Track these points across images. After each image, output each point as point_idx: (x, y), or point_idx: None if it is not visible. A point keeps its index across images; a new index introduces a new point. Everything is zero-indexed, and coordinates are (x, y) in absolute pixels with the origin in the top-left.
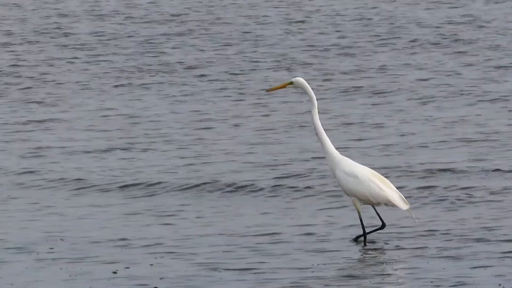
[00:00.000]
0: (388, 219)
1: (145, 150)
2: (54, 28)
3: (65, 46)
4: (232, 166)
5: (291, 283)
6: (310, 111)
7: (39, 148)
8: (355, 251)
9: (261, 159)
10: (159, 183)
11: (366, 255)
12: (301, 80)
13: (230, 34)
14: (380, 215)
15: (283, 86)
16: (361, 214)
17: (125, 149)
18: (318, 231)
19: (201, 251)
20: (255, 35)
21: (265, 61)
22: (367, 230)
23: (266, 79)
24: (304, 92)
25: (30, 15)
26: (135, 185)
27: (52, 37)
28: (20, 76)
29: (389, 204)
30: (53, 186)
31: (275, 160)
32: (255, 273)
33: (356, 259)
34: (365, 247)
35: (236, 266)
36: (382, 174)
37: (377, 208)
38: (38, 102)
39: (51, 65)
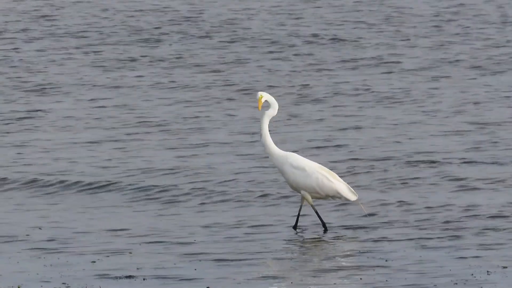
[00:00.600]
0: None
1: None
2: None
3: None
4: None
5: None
6: (265, 112)
7: None
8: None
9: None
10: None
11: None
12: (267, 95)
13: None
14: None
15: (260, 102)
16: (315, 206)
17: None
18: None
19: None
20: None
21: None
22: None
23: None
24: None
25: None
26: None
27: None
28: None
29: (337, 196)
30: None
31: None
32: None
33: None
34: (324, 234)
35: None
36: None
37: (326, 200)
38: None
39: None
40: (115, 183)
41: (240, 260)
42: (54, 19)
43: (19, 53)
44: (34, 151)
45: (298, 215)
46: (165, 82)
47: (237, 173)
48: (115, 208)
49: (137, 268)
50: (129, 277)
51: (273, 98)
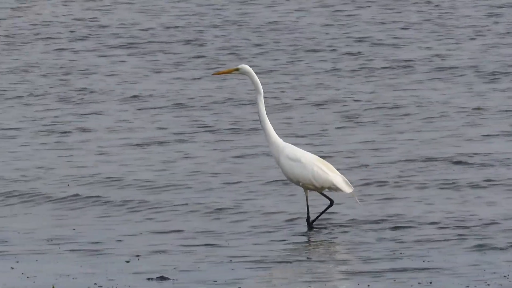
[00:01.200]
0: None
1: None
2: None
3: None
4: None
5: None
6: (256, 99)
7: None
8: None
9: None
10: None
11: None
12: (247, 67)
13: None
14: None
15: (229, 72)
16: (308, 199)
17: None
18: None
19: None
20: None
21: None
22: (310, 213)
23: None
24: (250, 80)
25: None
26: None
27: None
28: None
29: (333, 187)
30: None
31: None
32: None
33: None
34: (310, 231)
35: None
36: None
37: (324, 192)
38: None
39: None
40: (162, 187)
41: (276, 262)
42: (96, 21)
43: (66, 56)
44: (87, 155)
45: (308, 207)
46: (212, 88)
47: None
48: (157, 211)
49: (171, 269)
50: (161, 278)
51: (256, 77)
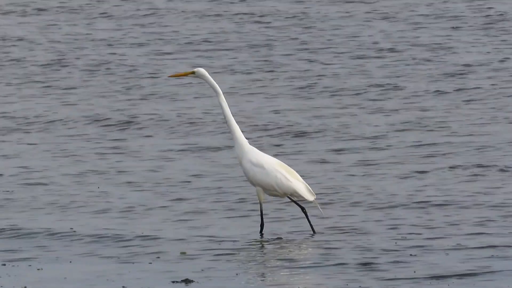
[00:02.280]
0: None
1: None
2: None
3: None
4: None
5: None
6: (218, 101)
7: None
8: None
9: None
10: None
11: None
12: (202, 71)
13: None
14: (297, 202)
15: (185, 75)
16: (262, 205)
17: None
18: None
19: None
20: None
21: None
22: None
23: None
24: (206, 83)
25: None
26: None
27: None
28: None
29: (295, 195)
30: None
31: None
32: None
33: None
34: (262, 238)
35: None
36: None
37: (285, 198)
38: None
39: None
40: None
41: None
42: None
43: (123, 59)
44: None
45: (262, 214)
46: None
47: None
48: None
49: (196, 272)
50: (186, 281)
51: (212, 80)
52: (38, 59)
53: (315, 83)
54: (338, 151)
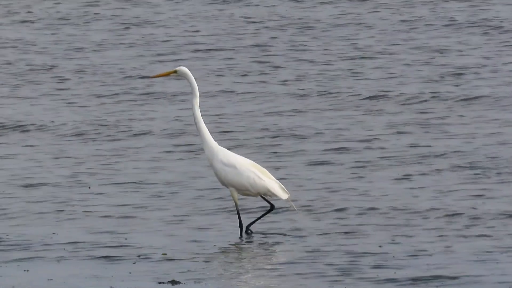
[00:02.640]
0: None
1: None
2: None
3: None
4: None
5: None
6: (191, 101)
7: None
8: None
9: None
10: None
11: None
12: (184, 69)
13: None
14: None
15: (167, 74)
16: (238, 205)
17: None
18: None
19: None
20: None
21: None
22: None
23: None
24: (187, 82)
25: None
26: None
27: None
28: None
29: (268, 193)
30: None
31: None
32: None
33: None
34: (242, 239)
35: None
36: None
37: (258, 197)
38: None
39: None
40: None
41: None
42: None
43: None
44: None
45: (239, 214)
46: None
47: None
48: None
49: (181, 273)
50: (173, 282)
51: (193, 80)
52: (31, 62)
53: (310, 88)
54: (333, 151)
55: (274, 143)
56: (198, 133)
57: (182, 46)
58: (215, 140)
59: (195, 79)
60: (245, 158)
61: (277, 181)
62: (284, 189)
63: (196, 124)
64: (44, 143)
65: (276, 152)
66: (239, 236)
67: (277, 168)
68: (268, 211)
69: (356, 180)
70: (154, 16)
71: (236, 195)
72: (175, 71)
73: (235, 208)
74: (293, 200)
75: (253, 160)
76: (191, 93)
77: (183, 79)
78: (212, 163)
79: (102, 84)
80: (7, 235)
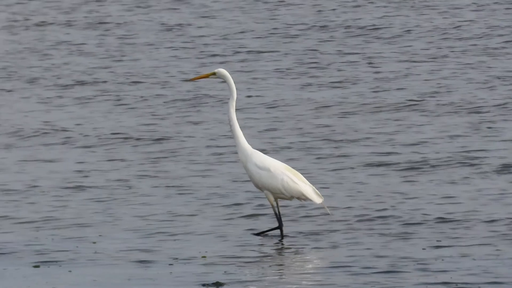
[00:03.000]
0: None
1: None
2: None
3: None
4: None
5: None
6: (228, 103)
7: None
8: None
9: None
10: None
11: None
12: (223, 71)
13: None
14: (280, 216)
15: (206, 76)
16: (276, 207)
17: None
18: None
19: None
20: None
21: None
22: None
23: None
24: (226, 83)
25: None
26: None
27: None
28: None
29: (302, 197)
30: None
31: None
32: None
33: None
34: (282, 241)
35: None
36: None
37: (290, 202)
38: None
39: None
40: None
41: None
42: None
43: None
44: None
45: (278, 214)
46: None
47: None
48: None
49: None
50: (217, 284)
51: (232, 82)
52: (76, 68)
53: (359, 91)
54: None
55: (318, 146)
56: (232, 135)
57: (229, 48)
58: (261, 144)
59: (234, 82)
60: (279, 162)
61: (311, 185)
62: (318, 193)
63: (231, 126)
64: (91, 148)
65: (329, 155)
66: (279, 239)
67: (330, 170)
68: (274, 229)
69: (403, 184)
70: (200, 20)
71: (272, 198)
72: (214, 73)
73: (274, 211)
74: (338, 207)
75: (297, 164)
76: (229, 94)
77: (223, 81)
78: (246, 166)
79: (148, 88)
80: (53, 238)
